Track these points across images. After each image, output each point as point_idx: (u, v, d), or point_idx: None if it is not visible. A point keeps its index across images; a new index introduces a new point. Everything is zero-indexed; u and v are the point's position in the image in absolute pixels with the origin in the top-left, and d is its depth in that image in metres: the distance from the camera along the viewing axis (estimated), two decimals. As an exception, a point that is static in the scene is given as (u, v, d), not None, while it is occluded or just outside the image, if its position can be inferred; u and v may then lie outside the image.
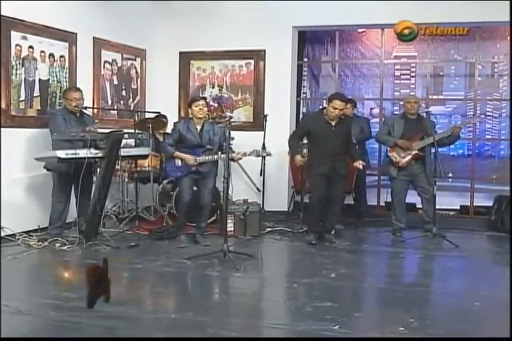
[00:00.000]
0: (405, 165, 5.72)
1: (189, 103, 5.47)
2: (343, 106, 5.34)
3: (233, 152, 5.42)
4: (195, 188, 5.50)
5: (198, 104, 5.30)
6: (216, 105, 7.24)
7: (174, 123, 5.76)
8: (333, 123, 5.37)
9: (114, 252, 4.91)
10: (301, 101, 7.74)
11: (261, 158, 6.49)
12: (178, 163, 5.35)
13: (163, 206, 6.23)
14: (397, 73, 7.72)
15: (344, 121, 5.46)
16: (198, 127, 5.36)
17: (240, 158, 5.50)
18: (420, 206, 6.05)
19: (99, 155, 5.01)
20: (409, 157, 5.70)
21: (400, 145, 5.72)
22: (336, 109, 5.26)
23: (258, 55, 7.12)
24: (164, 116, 6.64)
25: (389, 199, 6.97)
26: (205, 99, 5.53)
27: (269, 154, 5.63)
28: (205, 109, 5.36)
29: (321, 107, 7.86)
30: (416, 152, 5.68)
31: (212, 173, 5.43)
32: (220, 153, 5.32)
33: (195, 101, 5.34)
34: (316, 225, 5.59)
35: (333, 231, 5.59)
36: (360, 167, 5.47)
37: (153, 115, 6.60)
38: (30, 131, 5.48)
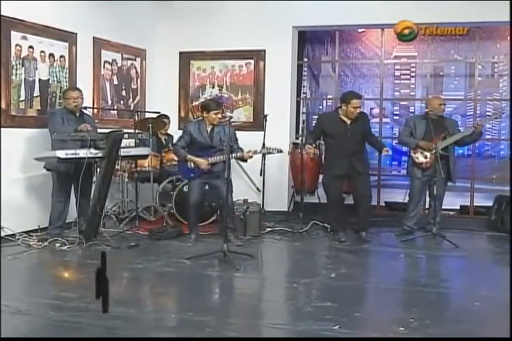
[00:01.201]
0: (428, 166, 5.69)
1: (207, 109, 5.33)
2: (360, 103, 5.53)
3: (242, 150, 5.38)
4: (205, 187, 5.52)
5: (218, 113, 5.30)
6: (216, 105, 7.22)
7: (185, 125, 5.76)
8: (348, 121, 5.45)
9: (114, 252, 4.91)
10: (301, 101, 7.74)
11: (261, 158, 6.51)
12: (191, 164, 5.34)
13: (163, 206, 6.23)
14: (397, 73, 7.72)
15: (358, 118, 5.51)
16: (209, 129, 5.36)
17: (251, 157, 5.45)
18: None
19: (99, 155, 5.01)
20: (432, 158, 5.66)
21: (422, 147, 5.68)
22: (356, 108, 5.41)
23: (258, 55, 7.12)
24: (166, 116, 6.64)
25: (389, 199, 7.02)
26: (221, 105, 5.58)
27: (280, 151, 5.61)
28: (220, 115, 5.37)
29: (320, 107, 7.92)
30: (439, 152, 5.62)
31: (225, 172, 5.41)
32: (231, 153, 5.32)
33: (214, 110, 5.29)
34: (340, 223, 5.65)
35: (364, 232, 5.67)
36: (389, 152, 5.70)
37: (153, 115, 6.61)
38: (30, 131, 5.48)
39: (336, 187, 5.58)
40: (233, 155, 5.22)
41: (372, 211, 5.85)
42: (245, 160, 5.52)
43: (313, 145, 5.65)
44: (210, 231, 5.77)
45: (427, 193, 5.93)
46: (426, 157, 5.69)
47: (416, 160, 5.73)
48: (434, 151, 5.59)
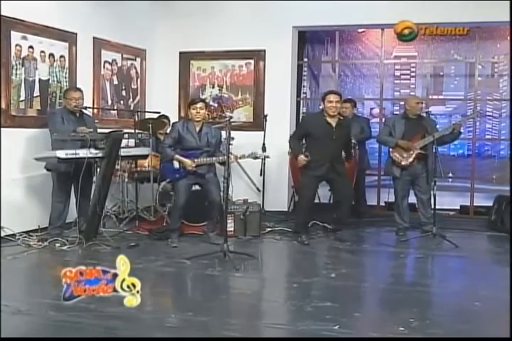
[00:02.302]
0: (408, 165, 5.71)
1: (188, 104, 5.45)
2: (338, 98, 5.39)
3: (221, 153, 5.35)
4: (194, 188, 5.50)
5: (196, 107, 5.25)
6: (216, 105, 7.24)
7: (173, 123, 5.75)
8: (333, 124, 5.38)
9: (114, 252, 4.91)
10: (301, 101, 7.74)
11: (261, 158, 6.51)
12: (176, 164, 5.29)
13: (163, 206, 6.22)
14: (397, 73, 7.71)
15: (343, 122, 5.50)
16: (197, 128, 5.33)
17: (233, 162, 5.43)
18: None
19: (99, 155, 5.01)
20: (412, 157, 5.68)
21: (402, 146, 5.71)
22: (331, 102, 5.32)
23: (258, 55, 7.12)
24: (166, 117, 6.64)
25: (389, 200, 7.00)
26: (203, 101, 5.46)
27: (267, 157, 5.60)
28: (203, 111, 5.29)
29: (321, 107, 7.92)
30: (418, 151, 5.67)
31: (212, 172, 5.39)
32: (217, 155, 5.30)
33: (192, 104, 5.30)
34: (306, 226, 5.65)
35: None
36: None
37: (153, 115, 6.61)
38: (30, 131, 5.48)
39: (312, 188, 5.51)
40: (220, 157, 5.21)
41: (350, 212, 5.77)
42: (224, 164, 5.49)
43: (304, 154, 5.43)
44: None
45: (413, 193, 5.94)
46: (406, 157, 5.71)
47: (395, 159, 5.75)
48: (412, 151, 5.65)
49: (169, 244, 5.27)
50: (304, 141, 5.65)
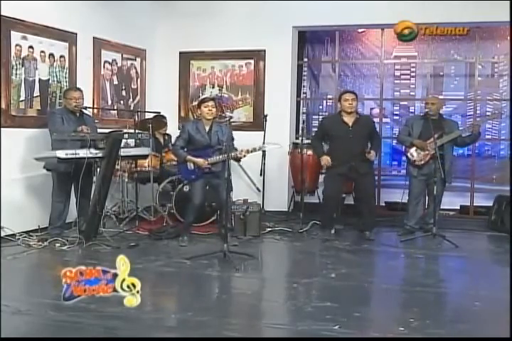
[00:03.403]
0: (423, 164, 5.74)
1: (198, 103, 5.46)
2: (354, 96, 5.58)
3: (236, 150, 5.35)
4: (186, 189, 5.51)
5: (208, 105, 5.28)
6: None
7: (183, 124, 5.76)
8: (350, 123, 5.51)
9: (114, 252, 4.91)
10: (301, 101, 7.73)
11: (261, 158, 6.52)
12: (191, 166, 5.30)
13: (163, 206, 6.23)
14: (397, 73, 7.71)
15: (360, 119, 5.59)
16: (207, 128, 5.35)
17: (245, 156, 5.42)
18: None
19: (99, 155, 5.01)
20: (427, 157, 5.71)
21: (416, 145, 5.76)
22: (347, 100, 5.51)
23: (258, 55, 7.12)
24: (163, 117, 6.64)
25: (389, 199, 7.02)
26: (214, 99, 5.52)
27: (278, 145, 5.60)
28: (214, 109, 5.35)
29: (320, 107, 7.92)
30: (434, 152, 5.66)
31: (224, 172, 5.37)
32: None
33: (204, 102, 5.33)
34: (331, 223, 5.71)
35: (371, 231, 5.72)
36: (371, 157, 5.56)
37: (152, 115, 6.61)
38: (30, 131, 5.48)
39: (335, 185, 5.61)
40: (231, 154, 5.20)
41: (375, 211, 5.86)
42: (238, 160, 5.51)
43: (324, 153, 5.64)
44: (210, 231, 5.77)
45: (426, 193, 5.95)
46: (419, 155, 5.73)
47: (410, 157, 5.82)
48: (427, 151, 5.68)
49: (179, 243, 5.32)
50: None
